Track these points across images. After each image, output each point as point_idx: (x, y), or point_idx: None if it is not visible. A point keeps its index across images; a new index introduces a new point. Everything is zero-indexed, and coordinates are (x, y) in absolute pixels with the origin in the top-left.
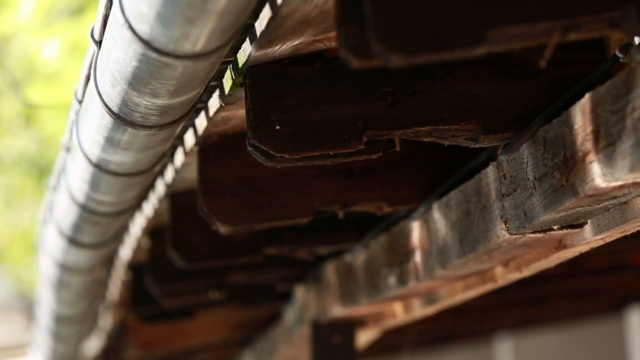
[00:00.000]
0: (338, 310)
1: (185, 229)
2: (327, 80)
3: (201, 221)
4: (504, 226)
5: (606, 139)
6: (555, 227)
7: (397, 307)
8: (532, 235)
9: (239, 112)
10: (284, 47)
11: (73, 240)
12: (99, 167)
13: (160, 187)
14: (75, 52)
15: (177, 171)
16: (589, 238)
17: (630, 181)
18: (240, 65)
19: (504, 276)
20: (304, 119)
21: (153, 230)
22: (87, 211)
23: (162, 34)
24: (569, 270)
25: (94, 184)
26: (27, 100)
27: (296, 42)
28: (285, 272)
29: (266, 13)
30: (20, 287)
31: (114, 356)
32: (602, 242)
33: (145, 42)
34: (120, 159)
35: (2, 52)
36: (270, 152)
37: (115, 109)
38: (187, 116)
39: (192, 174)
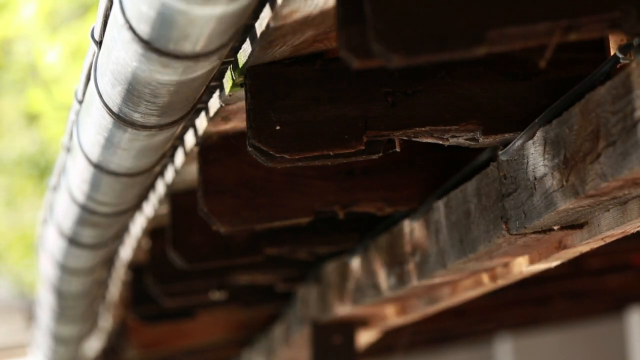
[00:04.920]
0: (338, 311)
1: (185, 229)
2: (327, 81)
3: (201, 221)
4: (504, 226)
5: (606, 139)
6: (555, 228)
7: (398, 308)
8: (532, 235)
9: (239, 113)
10: (284, 47)
11: (73, 241)
12: (99, 168)
13: (160, 188)
14: (77, 56)
15: (177, 171)
16: (589, 238)
17: (630, 181)
18: (240, 65)
19: (505, 276)
20: (304, 119)
21: (153, 231)
22: (87, 211)
23: (163, 34)
24: (569, 270)
25: (94, 185)
26: (28, 104)
27: (296, 43)
28: (286, 272)
29: (266, 13)
30: (20, 287)
31: (114, 356)
32: (602, 243)
33: (146, 43)
34: (120, 159)
35: (4, 55)
36: (271, 152)
37: (115, 109)
38: (187, 117)
39: (193, 174)
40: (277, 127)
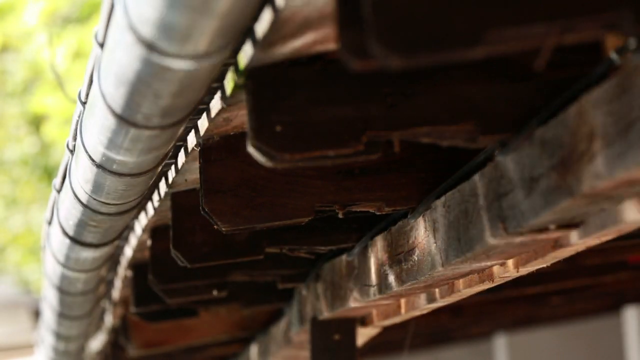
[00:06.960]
0: (338, 309)
1: (186, 229)
2: (327, 82)
3: (202, 220)
4: (501, 226)
5: (602, 140)
6: (552, 227)
7: (397, 306)
8: (529, 234)
9: (240, 113)
10: (285, 49)
11: (77, 240)
12: (102, 168)
13: (162, 187)
14: (79, 57)
15: (178, 171)
16: (585, 237)
17: (626, 182)
18: (241, 66)
19: (501, 275)
20: (304, 120)
21: (154, 230)
22: (90, 211)
23: (165, 36)
24: (565, 268)
25: (97, 184)
26: (31, 106)
27: (297, 44)
28: (286, 270)
29: (267, 15)
30: (26, 286)
31: (117, 354)
32: (598, 241)
33: (148, 44)
34: (123, 159)
35: (7, 57)
36: (271, 152)
37: (118, 110)
38: (189, 117)
39: (194, 174)
40: (278, 128)
